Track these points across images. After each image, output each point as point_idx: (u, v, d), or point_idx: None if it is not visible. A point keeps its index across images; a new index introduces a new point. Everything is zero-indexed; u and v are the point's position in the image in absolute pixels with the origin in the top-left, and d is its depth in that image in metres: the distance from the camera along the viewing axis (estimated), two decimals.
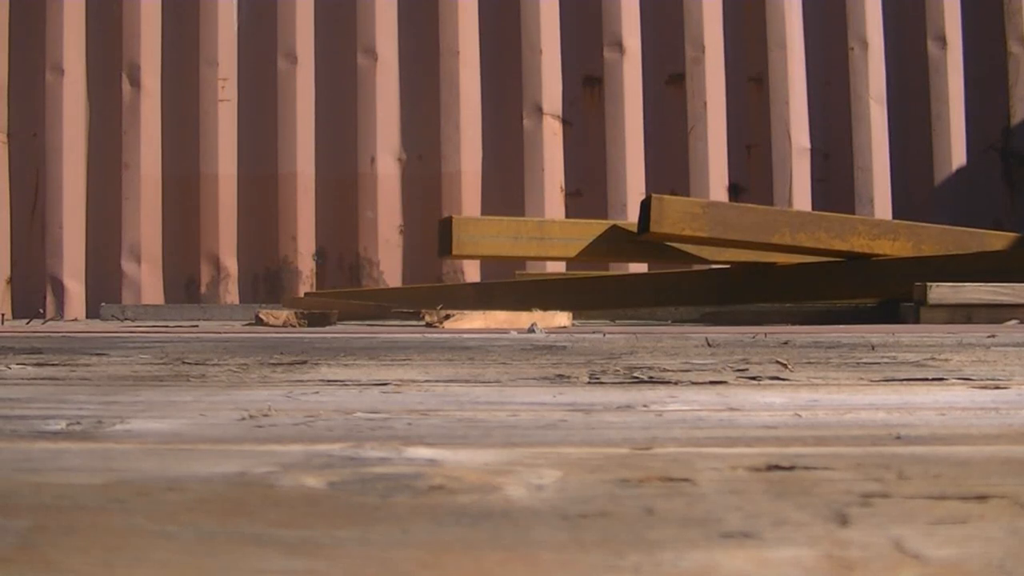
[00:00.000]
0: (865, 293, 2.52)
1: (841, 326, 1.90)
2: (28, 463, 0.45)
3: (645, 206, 2.41)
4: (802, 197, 3.80)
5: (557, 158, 3.67)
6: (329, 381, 0.76)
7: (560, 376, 0.79)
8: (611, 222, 2.76)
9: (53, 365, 0.90)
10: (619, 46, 3.78)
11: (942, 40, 3.85)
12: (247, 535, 0.34)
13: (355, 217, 3.76)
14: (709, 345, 1.06)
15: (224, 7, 3.78)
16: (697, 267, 2.80)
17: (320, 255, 3.79)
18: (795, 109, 3.81)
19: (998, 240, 2.57)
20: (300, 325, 2.34)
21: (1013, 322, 1.95)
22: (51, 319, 3.43)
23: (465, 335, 1.30)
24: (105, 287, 3.73)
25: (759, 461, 0.45)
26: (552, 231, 2.63)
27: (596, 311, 2.84)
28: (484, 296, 2.81)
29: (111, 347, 1.07)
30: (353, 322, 2.68)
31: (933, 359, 0.91)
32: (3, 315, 3.13)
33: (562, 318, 2.17)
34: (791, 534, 0.34)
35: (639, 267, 3.39)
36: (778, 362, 0.87)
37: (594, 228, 2.67)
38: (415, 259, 3.74)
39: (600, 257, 2.70)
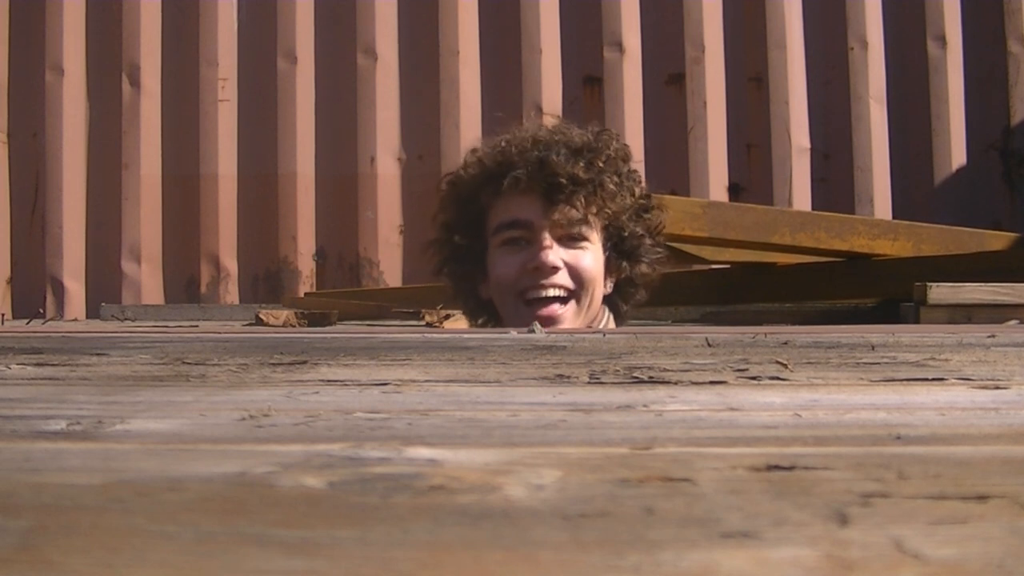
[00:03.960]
0: (865, 293, 2.52)
1: (841, 326, 1.90)
2: (28, 463, 0.45)
3: None
4: (802, 197, 3.80)
5: None
6: (329, 381, 0.76)
7: (560, 376, 0.79)
8: None
9: (53, 365, 0.90)
10: (619, 46, 3.79)
11: (942, 40, 3.85)
12: (247, 535, 0.34)
13: (355, 217, 3.76)
14: (709, 345, 1.06)
15: (224, 7, 3.78)
16: (697, 267, 2.80)
17: (320, 255, 3.79)
18: (795, 109, 3.82)
19: (998, 240, 2.57)
20: (300, 325, 2.34)
21: (1013, 322, 1.95)
22: (51, 319, 3.43)
23: (465, 335, 1.30)
24: (105, 287, 3.73)
25: (759, 461, 0.45)
26: None
27: None
28: None
29: (111, 347, 1.07)
30: (353, 322, 2.68)
31: (933, 359, 0.91)
32: (3, 315, 3.13)
33: None
34: (791, 534, 0.34)
35: None
36: (778, 362, 0.87)
37: None
38: (415, 259, 3.74)
39: None
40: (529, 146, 1.74)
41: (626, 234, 1.76)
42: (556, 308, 1.69)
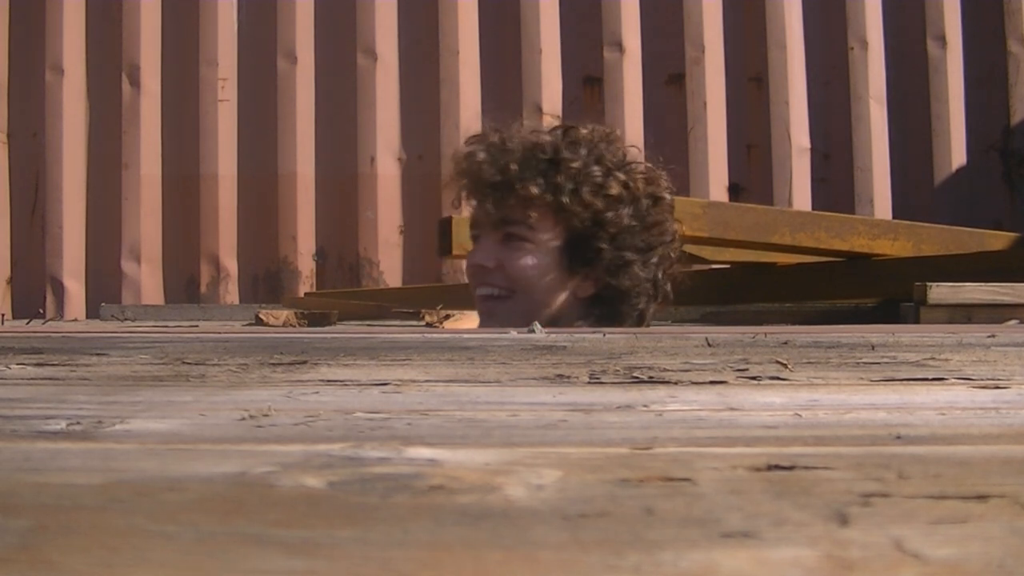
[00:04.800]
0: (865, 293, 2.52)
1: (841, 326, 1.90)
2: (28, 463, 0.45)
3: None
4: (802, 197, 3.80)
5: None
6: (329, 381, 0.76)
7: (560, 376, 0.79)
8: None
9: (53, 365, 0.90)
10: (619, 46, 3.78)
11: (942, 40, 3.85)
12: (247, 535, 0.34)
13: (355, 217, 3.76)
14: (709, 345, 1.06)
15: (224, 7, 3.78)
16: (697, 267, 2.80)
17: (320, 255, 3.78)
18: (795, 109, 3.81)
19: (998, 240, 2.57)
20: (300, 325, 2.34)
21: (1013, 322, 1.95)
22: (51, 319, 3.43)
23: (465, 335, 1.30)
24: (105, 287, 3.73)
25: (759, 461, 0.45)
26: None
27: None
28: None
29: (111, 347, 1.07)
30: (353, 322, 2.68)
31: (933, 359, 0.91)
32: (3, 315, 3.13)
33: None
34: (791, 534, 0.34)
35: None
36: (778, 362, 0.87)
37: None
38: (415, 259, 3.74)
39: None
40: (461, 152, 1.81)
41: (580, 242, 1.72)
42: (491, 305, 1.73)
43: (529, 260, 1.72)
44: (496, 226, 1.74)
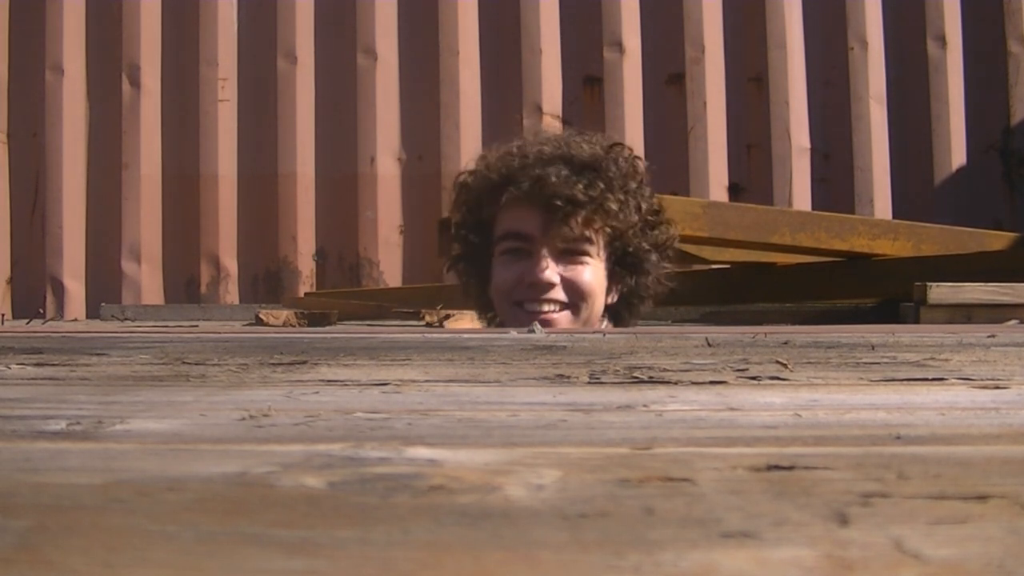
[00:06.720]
0: (865, 293, 2.52)
1: (841, 326, 1.90)
2: (28, 463, 0.45)
3: None
4: (802, 197, 3.80)
5: None
6: (329, 381, 0.76)
7: (560, 376, 0.79)
8: None
9: (53, 365, 0.90)
10: (619, 46, 3.78)
11: (942, 40, 3.85)
12: (247, 535, 0.34)
13: (355, 217, 3.76)
14: (709, 345, 1.06)
15: (224, 7, 3.78)
16: (697, 267, 2.80)
17: (320, 255, 3.78)
18: (795, 109, 3.81)
19: (998, 240, 2.57)
20: (300, 325, 2.34)
21: (1013, 322, 1.95)
22: (51, 319, 3.43)
23: (465, 335, 1.30)
24: (105, 287, 3.72)
25: (759, 461, 0.45)
26: None
27: None
28: None
29: (111, 347, 1.07)
30: (353, 322, 2.68)
31: (933, 359, 0.91)
32: (3, 315, 3.13)
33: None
34: (791, 534, 0.34)
35: None
36: (778, 362, 0.87)
37: None
38: (415, 259, 3.74)
39: None
40: (531, 161, 1.75)
41: (630, 249, 1.77)
42: (552, 315, 1.72)
43: (589, 275, 1.74)
44: (558, 242, 1.72)
